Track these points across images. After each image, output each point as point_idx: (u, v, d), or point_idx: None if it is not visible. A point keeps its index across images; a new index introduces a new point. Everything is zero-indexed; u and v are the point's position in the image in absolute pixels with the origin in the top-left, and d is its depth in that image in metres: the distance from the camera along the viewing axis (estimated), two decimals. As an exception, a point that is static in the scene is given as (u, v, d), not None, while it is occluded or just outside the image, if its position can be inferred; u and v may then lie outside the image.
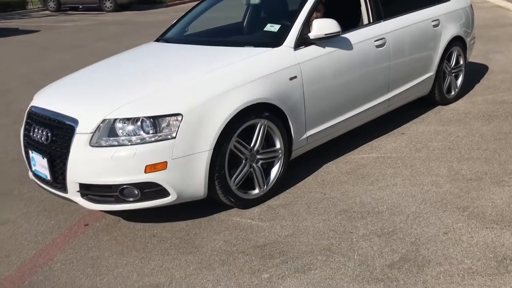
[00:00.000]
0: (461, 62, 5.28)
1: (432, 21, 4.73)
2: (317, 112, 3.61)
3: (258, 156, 3.27)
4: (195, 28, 4.45)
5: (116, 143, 2.83)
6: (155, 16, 18.05)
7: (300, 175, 3.74)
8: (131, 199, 2.90)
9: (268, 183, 3.37)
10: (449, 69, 5.10)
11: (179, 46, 3.94)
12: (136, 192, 2.87)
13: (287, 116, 3.37)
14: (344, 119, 3.87)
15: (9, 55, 10.38)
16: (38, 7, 22.97)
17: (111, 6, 21.03)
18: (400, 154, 4.01)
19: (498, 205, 3.10)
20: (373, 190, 3.43)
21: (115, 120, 2.86)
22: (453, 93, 5.25)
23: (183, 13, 4.67)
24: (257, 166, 3.27)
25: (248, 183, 3.28)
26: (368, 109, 4.08)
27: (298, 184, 3.60)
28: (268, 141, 3.35)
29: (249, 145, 3.21)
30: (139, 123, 2.85)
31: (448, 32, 4.91)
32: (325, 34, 3.50)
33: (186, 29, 4.43)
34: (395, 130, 4.55)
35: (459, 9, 5.24)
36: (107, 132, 2.86)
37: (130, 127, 2.85)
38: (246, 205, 3.26)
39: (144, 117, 2.85)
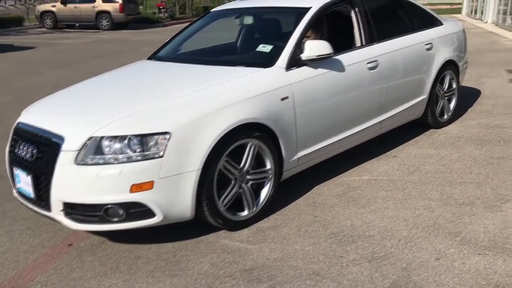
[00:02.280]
0: (454, 86, 5.29)
1: (425, 44, 4.74)
2: (309, 133, 3.57)
3: (248, 177, 3.22)
4: (188, 47, 4.44)
5: (102, 161, 2.77)
6: (151, 35, 18.17)
7: (291, 197, 3.68)
8: (115, 219, 2.82)
9: (258, 204, 3.31)
10: (442, 92, 5.11)
11: (171, 65, 3.91)
12: (121, 212, 2.80)
13: (278, 136, 3.33)
14: (335, 140, 3.83)
15: (4, 71, 10.34)
16: (35, 24, 23.06)
17: (107, 25, 21.18)
18: (392, 177, 3.97)
19: (490, 230, 3.04)
20: (365, 213, 3.37)
21: (102, 138, 2.81)
22: (446, 116, 5.25)
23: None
24: (247, 186, 3.22)
25: (237, 204, 3.21)
26: (360, 131, 4.05)
27: (288, 206, 3.54)
28: (258, 162, 3.30)
29: (239, 165, 3.15)
30: (126, 141, 2.80)
31: (441, 55, 4.93)
32: (317, 56, 3.49)
33: (180, 48, 4.42)
34: (387, 153, 4.52)
35: (452, 33, 5.28)
36: (94, 150, 2.80)
37: (117, 145, 2.80)
38: (234, 226, 3.19)
39: (132, 135, 2.79)
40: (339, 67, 3.76)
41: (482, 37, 13.68)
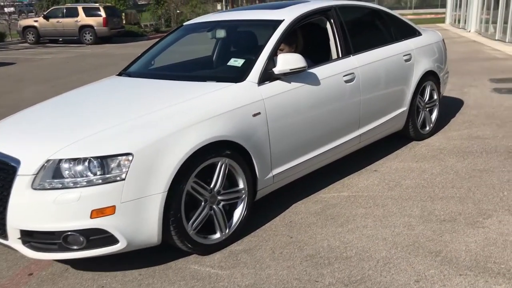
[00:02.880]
0: (435, 97, 5.21)
1: (404, 55, 4.65)
2: (284, 150, 3.44)
3: (219, 197, 3.07)
4: (161, 62, 4.30)
5: (60, 185, 2.60)
6: (135, 49, 18.00)
7: (268, 215, 3.53)
8: (76, 247, 2.65)
9: (231, 226, 3.15)
10: (423, 104, 5.01)
11: (139, 81, 3.76)
12: (81, 240, 2.63)
13: (251, 154, 3.18)
14: (312, 156, 3.70)
15: (-20, 88, 10.12)
16: (18, 39, 22.83)
17: (91, 39, 21.02)
18: (372, 193, 3.84)
19: (472, 249, 2.92)
20: (342, 232, 3.23)
21: (60, 160, 2.64)
22: (427, 128, 5.15)
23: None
24: (218, 208, 3.06)
25: (208, 226, 3.05)
26: (338, 146, 3.92)
27: (264, 226, 3.38)
28: (230, 181, 3.15)
29: (209, 186, 3.00)
30: (86, 163, 2.63)
31: (421, 66, 4.85)
32: (290, 69, 3.37)
33: (152, 63, 4.28)
34: (367, 167, 4.40)
35: (431, 43, 5.20)
36: (51, 174, 2.63)
37: (77, 168, 2.63)
38: (205, 251, 3.03)
39: (92, 157, 2.63)
40: (314, 80, 3.64)
41: (466, 46, 13.74)
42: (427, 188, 3.86)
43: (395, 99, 4.57)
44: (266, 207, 3.63)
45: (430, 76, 5.04)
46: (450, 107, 6.32)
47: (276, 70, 3.38)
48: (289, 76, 3.44)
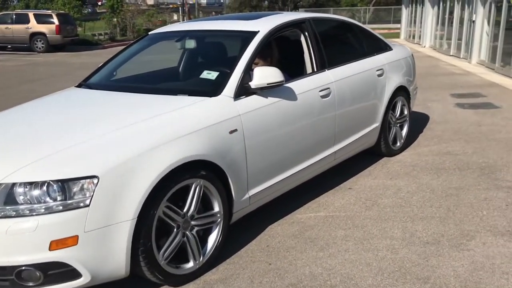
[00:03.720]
0: (406, 112, 5.15)
1: (377, 70, 4.56)
2: (261, 169, 3.22)
3: (192, 223, 2.80)
4: (124, 72, 4.00)
5: (13, 213, 2.27)
6: (90, 57, 17.41)
7: (242, 240, 3.29)
8: (31, 284, 2.32)
9: (205, 253, 2.89)
10: (394, 119, 4.94)
11: (102, 93, 3.45)
12: (38, 275, 2.30)
13: (227, 174, 2.94)
14: (289, 175, 3.50)
15: None
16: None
17: (43, 47, 20.19)
18: (349, 213, 3.68)
19: (460, 274, 2.79)
20: (324, 257, 3.04)
21: (13, 184, 2.31)
22: (398, 144, 5.08)
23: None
24: (192, 234, 2.80)
25: (180, 254, 2.78)
26: (314, 163, 3.75)
27: (239, 252, 3.14)
28: (204, 204, 2.90)
29: (182, 210, 2.74)
30: (44, 187, 2.32)
31: (392, 81, 4.77)
32: (267, 84, 3.17)
33: (114, 73, 3.97)
34: (341, 185, 4.24)
35: (401, 58, 5.16)
36: (3, 199, 2.30)
37: (33, 193, 2.31)
38: (178, 282, 2.75)
39: (51, 180, 2.32)
40: (291, 95, 3.46)
41: (423, 61, 14.02)
42: (405, 208, 3.74)
43: (369, 114, 4.46)
44: (240, 230, 3.39)
45: (401, 92, 4.98)
46: (417, 122, 6.31)
47: (253, 84, 3.17)
48: (266, 90, 3.24)
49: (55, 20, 20.16)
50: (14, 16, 20.76)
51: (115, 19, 27.68)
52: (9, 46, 20.79)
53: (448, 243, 3.15)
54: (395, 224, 3.47)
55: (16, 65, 15.31)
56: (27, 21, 20.22)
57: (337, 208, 3.78)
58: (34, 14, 20.67)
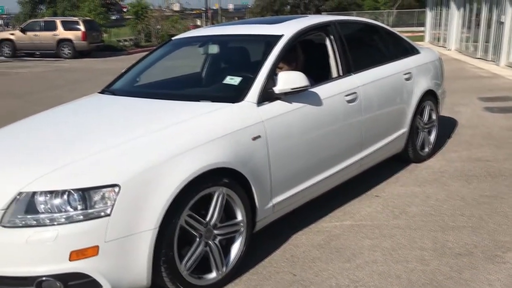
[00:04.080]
0: (434, 117, 5.00)
1: (404, 74, 4.43)
2: (285, 176, 3.13)
3: (215, 232, 2.73)
4: (148, 78, 3.97)
5: (34, 222, 2.24)
6: (115, 63, 17.59)
7: (266, 249, 3.21)
8: (51, 294, 2.28)
9: (228, 263, 2.81)
10: (422, 124, 4.79)
11: (125, 100, 3.42)
12: (58, 285, 2.26)
13: (250, 182, 2.87)
14: (314, 182, 3.40)
15: (-51, 103, 9.58)
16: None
17: (69, 53, 20.52)
18: (376, 222, 3.55)
19: (496, 288, 2.65)
20: (351, 268, 2.93)
21: (34, 193, 2.28)
22: (426, 149, 4.93)
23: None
24: (214, 243, 2.73)
25: (203, 264, 2.71)
26: (340, 170, 3.64)
27: (263, 262, 3.06)
28: (227, 213, 2.83)
29: (205, 219, 2.67)
30: (65, 196, 2.28)
31: (420, 86, 4.63)
32: (291, 89, 3.08)
33: (138, 79, 3.94)
34: (368, 192, 4.12)
35: (429, 61, 5.01)
36: (24, 208, 2.27)
37: (54, 202, 2.27)
38: (200, 293, 2.68)
39: (72, 189, 2.28)
40: (316, 100, 3.36)
41: (449, 64, 13.69)
42: (435, 216, 3.60)
43: (396, 119, 4.33)
44: (264, 239, 3.30)
45: (429, 96, 4.83)
46: (445, 127, 6.12)
47: (277, 89, 3.09)
48: (290, 95, 3.16)
49: (81, 26, 20.49)
50: (42, 24, 21.19)
51: (139, 26, 27.99)
52: (37, 53, 21.22)
53: (482, 254, 3.01)
54: (424, 233, 3.33)
55: (43, 71, 15.58)
56: (54, 28, 20.59)
57: (364, 216, 3.66)
58: (61, 21, 21.05)
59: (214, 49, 3.88)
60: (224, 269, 2.77)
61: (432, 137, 5.04)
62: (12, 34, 21.47)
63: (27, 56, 21.31)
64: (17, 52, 21.20)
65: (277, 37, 3.41)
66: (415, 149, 4.72)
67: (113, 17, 40.91)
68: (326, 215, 3.70)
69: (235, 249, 2.86)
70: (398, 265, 2.94)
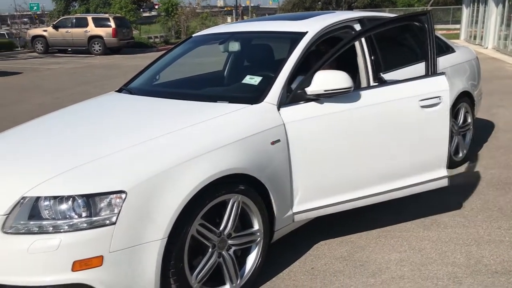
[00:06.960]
0: (469, 120, 4.70)
1: (438, 74, 4.14)
2: (309, 185, 2.89)
3: (229, 242, 2.56)
4: (167, 76, 3.83)
5: (36, 229, 2.12)
6: (144, 60, 17.64)
7: (285, 259, 3.02)
8: (53, 306, 2.16)
9: (243, 275, 2.64)
10: (456, 128, 4.50)
11: (141, 99, 3.28)
12: (60, 297, 2.14)
13: (268, 189, 2.68)
14: (342, 200, 3.02)
15: (-19, 98, 9.75)
16: (28, 49, 22.62)
17: (100, 49, 20.76)
18: (405, 232, 3.32)
19: (537, 313, 2.39)
20: (375, 284, 2.71)
21: (38, 198, 2.16)
22: (460, 154, 4.63)
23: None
24: (228, 254, 2.56)
25: (216, 276, 2.55)
26: (378, 193, 3.11)
27: (281, 274, 2.87)
28: (243, 221, 2.65)
29: (218, 228, 2.50)
30: (70, 202, 2.15)
31: (455, 86, 4.35)
32: (325, 90, 2.80)
33: (157, 77, 3.81)
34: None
35: (465, 61, 4.72)
36: (27, 214, 2.15)
37: (58, 208, 2.15)
38: (212, 307, 2.52)
39: (76, 195, 2.15)
40: (354, 104, 2.98)
41: (485, 63, 13.16)
42: (469, 228, 3.34)
43: (429, 123, 4.05)
44: (283, 248, 3.12)
45: (465, 97, 4.54)
46: (480, 130, 5.79)
47: (309, 90, 2.84)
48: (329, 97, 2.87)
49: (112, 23, 20.69)
50: (74, 20, 21.51)
51: (169, 22, 28.15)
52: (69, 49, 21.56)
53: (521, 274, 2.75)
54: (457, 247, 3.08)
55: (74, 67, 15.78)
56: (85, 24, 20.86)
57: (391, 226, 3.43)
58: (92, 18, 21.32)
59: (235, 46, 3.69)
60: (238, 281, 2.60)
61: (467, 141, 4.74)
62: (44, 30, 21.90)
63: (60, 53, 21.69)
64: (50, 48, 21.59)
65: (301, 34, 3.20)
66: (449, 153, 4.43)
67: (148, 13, 41.25)
68: (350, 223, 3.48)
69: (251, 260, 2.68)
70: (427, 282, 2.71)
